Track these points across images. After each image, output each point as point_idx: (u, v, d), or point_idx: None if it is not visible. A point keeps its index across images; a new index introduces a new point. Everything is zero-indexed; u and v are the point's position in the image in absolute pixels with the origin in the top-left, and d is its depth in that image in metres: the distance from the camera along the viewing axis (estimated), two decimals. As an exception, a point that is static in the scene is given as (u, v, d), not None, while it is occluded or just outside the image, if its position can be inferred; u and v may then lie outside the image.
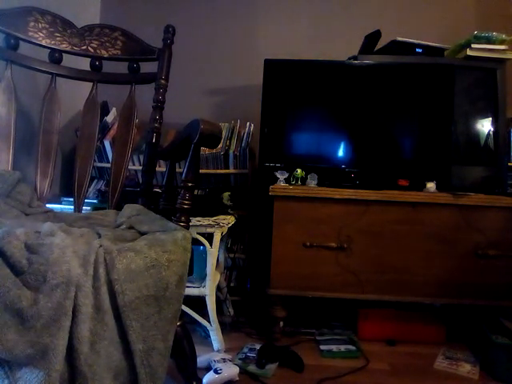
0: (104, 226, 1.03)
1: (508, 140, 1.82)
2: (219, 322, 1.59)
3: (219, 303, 1.79)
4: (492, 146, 1.81)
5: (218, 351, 1.52)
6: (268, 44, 2.23)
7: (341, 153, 1.86)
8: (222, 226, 1.57)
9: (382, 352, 1.59)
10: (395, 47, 1.86)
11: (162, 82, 1.33)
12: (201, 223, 1.54)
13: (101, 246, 0.82)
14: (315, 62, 1.86)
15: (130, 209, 1.11)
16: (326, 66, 1.84)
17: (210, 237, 1.56)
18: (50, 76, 1.33)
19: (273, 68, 1.86)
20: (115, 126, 1.97)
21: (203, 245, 1.56)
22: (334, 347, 1.58)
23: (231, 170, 2.03)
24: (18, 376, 0.67)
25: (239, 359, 1.45)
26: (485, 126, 1.82)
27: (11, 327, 0.66)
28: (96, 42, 1.37)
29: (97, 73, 1.38)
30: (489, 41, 1.77)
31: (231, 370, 1.31)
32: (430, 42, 1.90)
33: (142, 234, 0.94)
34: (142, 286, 0.79)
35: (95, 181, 2.10)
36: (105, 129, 2.05)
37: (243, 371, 1.36)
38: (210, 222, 1.56)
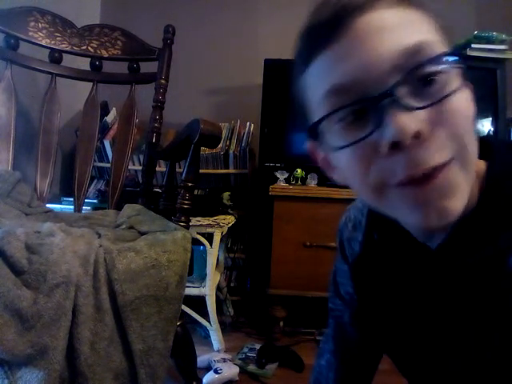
0: (104, 225, 1.03)
1: (508, 140, 1.82)
2: (219, 321, 1.59)
3: (219, 303, 1.79)
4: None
5: (218, 351, 1.52)
6: (268, 44, 2.23)
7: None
8: (222, 226, 1.57)
9: (382, 352, 1.59)
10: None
11: (162, 81, 1.33)
12: (201, 223, 1.54)
13: (101, 245, 0.82)
14: (315, 61, 1.85)
15: (129, 209, 1.11)
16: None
17: (210, 237, 1.56)
18: (50, 76, 1.33)
19: (273, 68, 1.86)
20: (115, 126, 1.97)
21: (203, 245, 1.56)
22: (333, 347, 1.58)
23: (231, 170, 2.03)
24: (18, 376, 0.67)
25: (239, 359, 1.45)
26: (485, 125, 1.82)
27: (11, 327, 0.66)
28: (96, 42, 1.37)
29: (97, 73, 1.38)
30: (489, 41, 1.77)
31: (231, 370, 1.31)
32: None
33: (142, 233, 0.94)
34: (142, 286, 0.79)
35: (95, 181, 2.10)
36: (105, 129, 2.05)
37: (243, 371, 1.36)
38: (210, 222, 1.56)
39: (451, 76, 0.36)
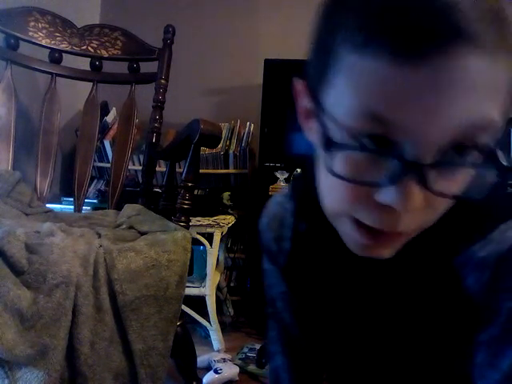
0: (104, 226, 1.03)
1: (508, 140, 1.82)
2: (219, 321, 1.60)
3: (219, 303, 1.79)
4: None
5: (218, 351, 1.52)
6: (268, 44, 2.23)
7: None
8: (222, 226, 1.57)
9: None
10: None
11: (162, 81, 1.33)
12: (201, 223, 1.54)
13: (101, 246, 0.82)
14: (315, 61, 1.85)
15: (129, 209, 1.11)
16: (326, 66, 1.84)
17: (210, 237, 1.57)
18: (50, 76, 1.33)
19: (273, 68, 1.87)
20: (115, 126, 1.97)
21: (203, 245, 1.56)
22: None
23: (231, 170, 2.03)
24: (18, 376, 0.67)
25: (239, 359, 1.45)
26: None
27: (11, 327, 0.66)
28: (96, 42, 1.37)
29: (97, 73, 1.38)
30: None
31: (231, 370, 1.31)
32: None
33: (142, 233, 0.94)
34: (142, 286, 0.79)
35: (95, 181, 2.10)
36: (105, 129, 2.05)
37: (243, 371, 1.36)
38: (210, 222, 1.56)
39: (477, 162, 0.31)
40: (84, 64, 1.39)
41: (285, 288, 0.57)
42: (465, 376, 0.40)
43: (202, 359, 1.35)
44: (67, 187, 1.94)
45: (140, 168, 1.94)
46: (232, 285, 2.03)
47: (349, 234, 0.36)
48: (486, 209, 0.39)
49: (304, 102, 0.38)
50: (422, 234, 0.38)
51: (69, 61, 1.37)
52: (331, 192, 0.35)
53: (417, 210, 0.30)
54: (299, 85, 0.39)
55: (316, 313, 0.52)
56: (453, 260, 0.39)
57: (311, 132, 0.38)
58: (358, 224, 0.34)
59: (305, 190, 0.50)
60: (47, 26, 1.31)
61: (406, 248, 0.39)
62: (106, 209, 1.28)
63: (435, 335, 0.42)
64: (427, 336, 0.42)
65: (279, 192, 0.56)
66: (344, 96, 0.30)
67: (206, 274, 1.56)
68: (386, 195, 0.30)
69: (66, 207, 1.66)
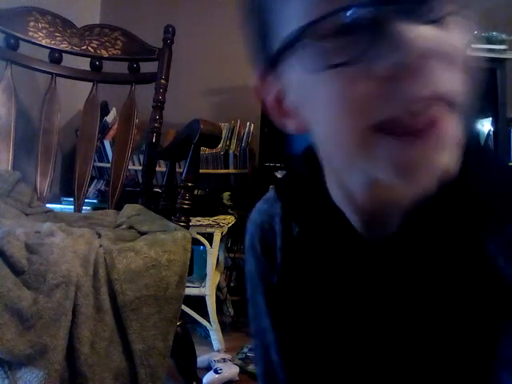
0: (104, 226, 1.03)
1: (508, 140, 1.82)
2: (219, 322, 1.59)
3: (219, 303, 1.79)
4: (492, 146, 1.82)
5: (218, 351, 1.52)
6: (268, 44, 2.23)
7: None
8: (222, 226, 1.57)
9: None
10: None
11: (162, 81, 1.33)
12: (201, 223, 1.54)
13: (101, 246, 0.82)
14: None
15: (129, 209, 1.11)
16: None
17: (210, 237, 1.56)
18: (50, 76, 1.33)
19: (273, 68, 1.86)
20: (115, 126, 1.96)
21: (203, 245, 1.56)
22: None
23: (231, 170, 2.03)
24: (18, 376, 0.67)
25: (239, 359, 1.44)
26: (485, 125, 1.82)
27: (11, 327, 0.67)
28: (96, 42, 1.37)
29: (97, 73, 1.38)
30: (489, 41, 1.77)
31: (231, 370, 1.31)
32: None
33: (142, 233, 0.94)
34: (141, 286, 0.79)
35: (95, 181, 2.10)
36: (105, 129, 2.05)
37: (243, 371, 1.36)
38: (210, 222, 1.56)
39: None
40: (84, 64, 1.39)
41: (267, 319, 0.46)
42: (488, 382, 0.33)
43: (202, 359, 1.35)
44: (67, 187, 1.94)
45: (140, 168, 1.94)
46: (232, 285, 2.02)
47: (387, 161, 0.27)
48: None
49: (270, 91, 0.35)
50: (442, 217, 0.32)
51: (69, 61, 1.37)
52: (341, 119, 0.28)
53: (432, 46, 0.24)
54: (258, 76, 0.35)
55: (312, 335, 0.43)
56: (485, 246, 0.32)
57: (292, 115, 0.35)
58: (390, 131, 0.26)
59: (293, 189, 0.45)
60: (47, 26, 1.31)
61: (424, 243, 0.34)
62: (105, 209, 1.28)
63: (459, 337, 0.34)
64: (449, 341, 0.35)
65: (261, 199, 0.48)
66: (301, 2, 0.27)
67: (205, 274, 1.56)
68: (393, 57, 0.24)
69: (66, 207, 1.66)
